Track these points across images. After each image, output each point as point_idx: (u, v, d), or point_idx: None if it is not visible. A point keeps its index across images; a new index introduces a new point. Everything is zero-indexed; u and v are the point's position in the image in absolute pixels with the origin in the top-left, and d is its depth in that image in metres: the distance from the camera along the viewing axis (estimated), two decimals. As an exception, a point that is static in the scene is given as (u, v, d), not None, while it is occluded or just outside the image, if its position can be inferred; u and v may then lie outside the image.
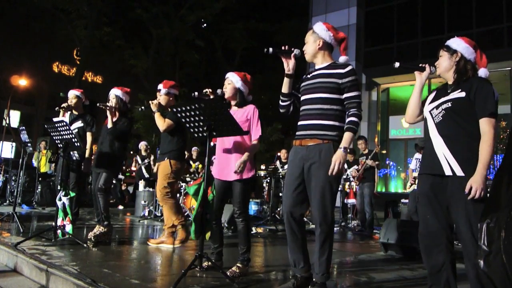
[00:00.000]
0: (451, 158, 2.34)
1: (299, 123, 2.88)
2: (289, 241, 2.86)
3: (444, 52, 2.57)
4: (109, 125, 4.77)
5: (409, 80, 16.64)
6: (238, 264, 3.27)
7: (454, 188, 2.32)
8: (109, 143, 4.80)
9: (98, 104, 4.77)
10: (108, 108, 4.75)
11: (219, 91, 3.52)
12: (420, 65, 2.63)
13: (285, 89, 2.93)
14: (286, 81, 2.91)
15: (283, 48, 2.84)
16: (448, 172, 2.35)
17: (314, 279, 2.75)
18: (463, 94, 2.39)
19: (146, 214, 8.01)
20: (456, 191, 2.31)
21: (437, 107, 2.48)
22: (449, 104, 2.41)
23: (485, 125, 2.32)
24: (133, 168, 13.06)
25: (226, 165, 3.36)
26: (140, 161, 9.76)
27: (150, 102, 4.42)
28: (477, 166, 2.25)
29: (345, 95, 2.74)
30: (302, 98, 2.90)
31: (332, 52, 2.94)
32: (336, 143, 2.72)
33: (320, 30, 2.86)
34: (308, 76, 2.92)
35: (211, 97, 3.58)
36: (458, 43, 2.55)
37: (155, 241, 4.55)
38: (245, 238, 3.33)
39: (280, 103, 2.99)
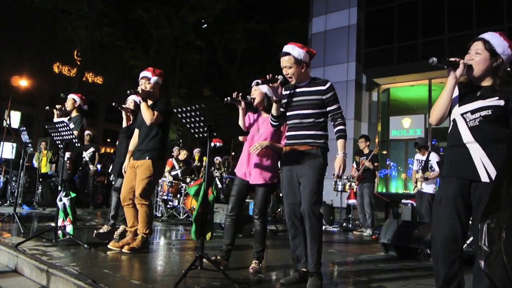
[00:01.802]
0: (489, 164, 2.25)
1: (289, 133, 3.20)
2: (292, 238, 3.17)
3: (484, 51, 2.32)
4: (123, 125, 4.82)
5: (410, 80, 16.68)
6: (256, 261, 3.46)
7: (487, 191, 2.23)
8: (125, 145, 4.79)
9: (113, 104, 4.83)
10: (124, 109, 4.79)
11: (248, 97, 3.59)
12: (454, 59, 2.33)
13: (275, 112, 3.20)
14: (275, 106, 3.18)
15: (267, 77, 3.06)
16: (485, 178, 2.25)
17: (309, 270, 2.99)
18: (502, 102, 2.27)
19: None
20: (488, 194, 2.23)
21: (472, 112, 2.32)
22: (489, 112, 2.27)
23: None
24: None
25: (256, 168, 3.49)
26: None
27: (140, 89, 4.13)
28: None
29: (329, 108, 3.12)
30: (289, 113, 3.20)
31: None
32: (323, 149, 3.09)
33: (302, 56, 3.08)
34: (291, 92, 3.21)
35: (242, 103, 3.59)
36: (501, 44, 2.33)
37: (117, 244, 4.15)
38: (262, 238, 3.52)
39: (272, 123, 3.29)
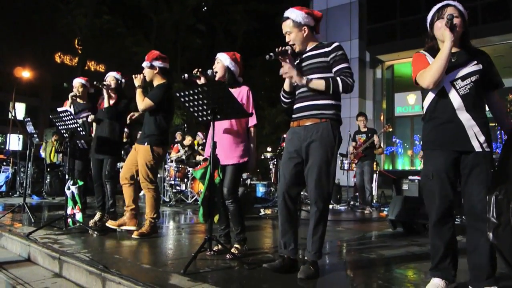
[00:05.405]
0: (480, 134, 2.26)
1: (295, 106, 2.88)
2: (282, 222, 2.84)
3: (459, 16, 2.36)
4: (105, 104, 4.65)
5: (414, 56, 16.44)
6: (236, 245, 3.32)
7: (477, 161, 2.25)
8: (108, 127, 4.73)
9: (95, 83, 4.72)
10: (105, 87, 4.63)
11: (209, 71, 3.44)
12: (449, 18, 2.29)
13: (286, 87, 2.92)
14: (287, 81, 2.88)
15: (277, 50, 2.74)
16: (478, 148, 2.25)
17: (305, 257, 2.76)
18: (481, 66, 2.31)
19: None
20: (480, 164, 2.25)
21: (462, 78, 2.30)
22: (477, 77, 2.30)
23: (497, 95, 2.43)
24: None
25: (222, 148, 3.29)
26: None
27: (133, 76, 4.16)
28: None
29: (335, 69, 2.74)
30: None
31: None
32: (334, 121, 2.75)
33: (301, 18, 2.83)
34: (298, 61, 2.91)
35: (202, 78, 3.48)
36: (465, 11, 2.39)
37: (115, 223, 4.36)
38: (238, 219, 3.35)
39: (283, 99, 2.99)
